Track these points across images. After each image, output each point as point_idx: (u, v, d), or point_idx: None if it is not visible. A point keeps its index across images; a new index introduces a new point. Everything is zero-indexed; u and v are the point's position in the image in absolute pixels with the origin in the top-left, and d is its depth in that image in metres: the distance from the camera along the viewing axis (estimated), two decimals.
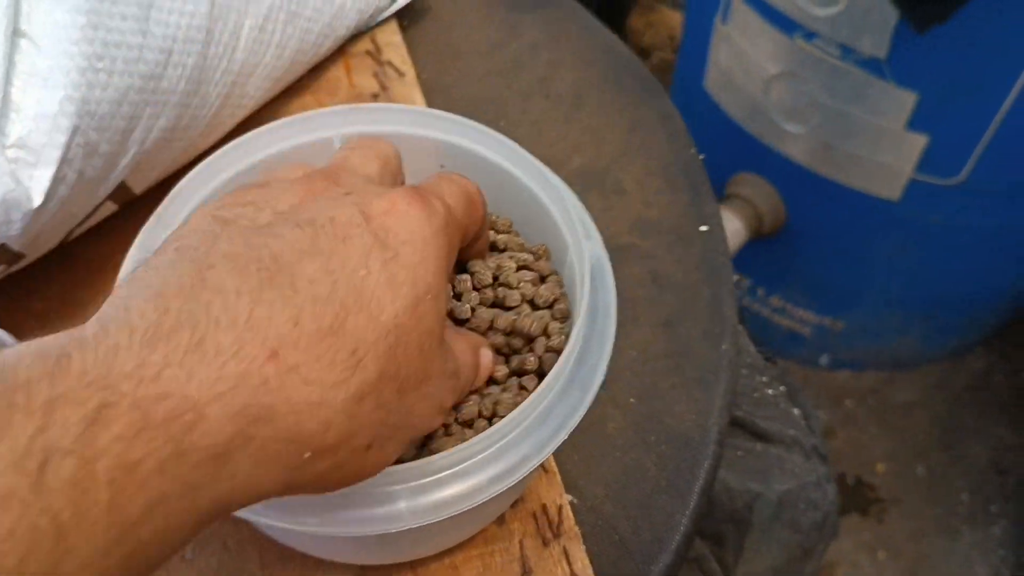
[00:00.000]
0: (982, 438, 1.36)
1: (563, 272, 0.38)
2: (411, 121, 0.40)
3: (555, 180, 0.38)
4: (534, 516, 0.42)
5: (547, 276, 0.37)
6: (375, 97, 0.55)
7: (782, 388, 0.55)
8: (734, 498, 0.49)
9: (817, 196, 1.20)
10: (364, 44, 0.59)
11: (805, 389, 1.38)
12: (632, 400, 0.47)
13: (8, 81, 0.35)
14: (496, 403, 0.35)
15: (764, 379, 0.55)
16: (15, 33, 0.35)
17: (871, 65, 1.02)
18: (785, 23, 1.06)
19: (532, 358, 0.36)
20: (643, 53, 1.80)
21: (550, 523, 0.42)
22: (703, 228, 0.52)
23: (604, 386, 0.40)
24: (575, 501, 0.44)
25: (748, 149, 1.23)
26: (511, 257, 0.38)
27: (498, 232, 0.40)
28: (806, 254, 1.28)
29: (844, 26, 1.01)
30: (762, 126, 1.19)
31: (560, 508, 0.43)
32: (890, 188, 1.13)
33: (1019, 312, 1.46)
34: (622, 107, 0.58)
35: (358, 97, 0.55)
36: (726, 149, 1.27)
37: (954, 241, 1.19)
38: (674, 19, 1.85)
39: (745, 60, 1.15)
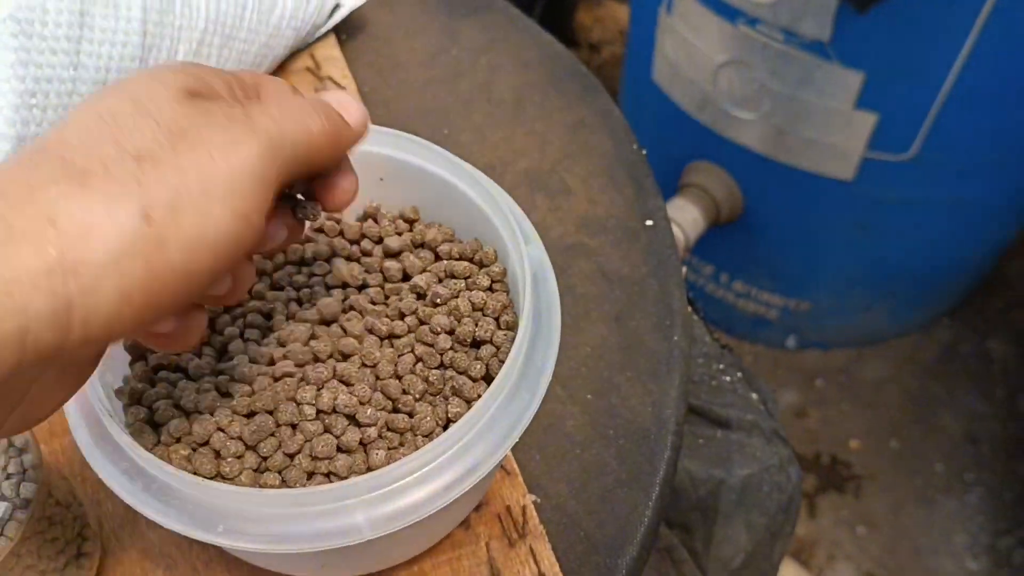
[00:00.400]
0: (953, 409, 1.38)
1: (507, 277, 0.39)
2: None
3: (492, 187, 0.39)
4: (499, 518, 0.43)
5: (496, 281, 0.38)
6: None
7: (739, 374, 0.55)
8: (698, 486, 0.50)
9: (772, 180, 1.21)
10: (304, 61, 0.59)
11: (775, 371, 1.40)
12: (589, 396, 0.47)
13: None
14: (447, 412, 0.35)
15: (721, 366, 0.55)
16: None
17: (815, 48, 1.03)
18: (727, 11, 1.07)
19: (479, 364, 0.36)
20: (593, 48, 1.81)
21: (515, 524, 0.43)
22: (648, 223, 0.53)
23: (560, 384, 0.41)
24: (538, 500, 0.44)
25: (701, 138, 1.24)
26: (451, 266, 0.39)
27: (438, 242, 0.40)
28: (766, 238, 1.30)
29: (786, 11, 1.02)
30: (713, 115, 1.20)
31: (524, 508, 0.43)
32: (844, 167, 1.14)
33: (982, 282, 1.48)
34: (563, 108, 0.58)
35: None
36: (679, 139, 1.28)
37: (910, 216, 1.21)
38: (622, 12, 1.86)
39: (691, 50, 1.16)
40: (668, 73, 1.23)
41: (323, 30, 0.60)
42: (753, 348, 1.45)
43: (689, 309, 0.62)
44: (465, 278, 0.38)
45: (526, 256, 0.35)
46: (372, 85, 0.59)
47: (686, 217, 1.23)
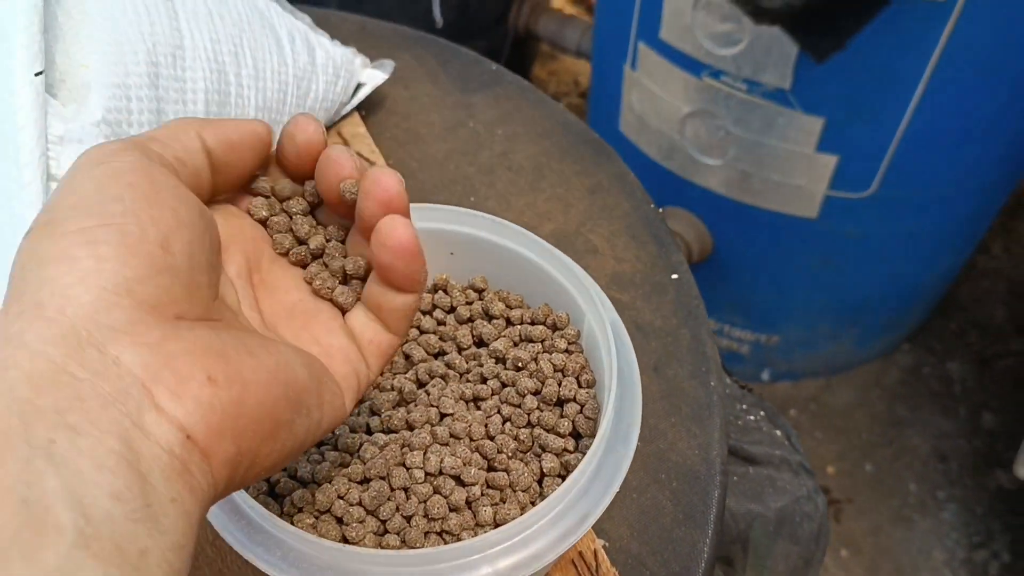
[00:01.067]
0: (920, 429, 1.44)
1: (581, 340, 0.42)
2: (418, 216, 0.43)
3: (559, 253, 0.42)
4: (573, 563, 0.46)
5: (571, 343, 0.41)
6: None
7: (762, 413, 0.59)
8: (737, 520, 0.53)
9: (740, 222, 1.27)
10: (332, 138, 0.62)
11: (747, 402, 1.44)
12: (639, 444, 0.50)
13: None
14: (541, 467, 0.38)
15: (744, 406, 0.59)
16: (48, 178, 0.37)
17: (777, 96, 1.09)
18: (692, 65, 1.12)
19: (565, 422, 0.39)
20: None
21: (588, 567, 0.45)
22: (674, 276, 0.56)
23: None
24: (606, 544, 0.47)
25: (669, 185, 1.29)
26: (527, 331, 0.42)
27: (510, 307, 0.43)
28: (736, 277, 1.35)
29: (748, 63, 1.08)
30: (680, 162, 1.25)
31: (595, 552, 0.46)
32: (807, 207, 1.20)
33: (938, 307, 1.55)
34: (580, 172, 0.62)
35: None
36: (648, 187, 1.33)
37: (871, 250, 1.27)
38: (576, 66, 1.92)
39: (657, 102, 1.21)
40: (635, 124, 1.28)
41: (348, 108, 0.63)
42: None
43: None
44: (541, 341, 0.41)
45: (607, 318, 0.38)
46: (397, 157, 0.62)
47: None
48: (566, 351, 0.41)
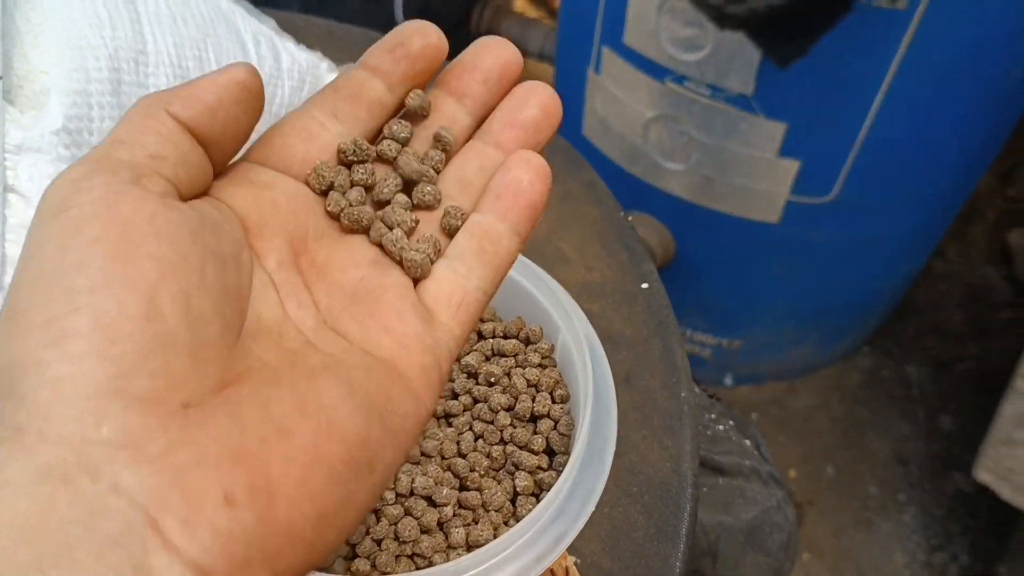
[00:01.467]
0: (880, 432, 1.45)
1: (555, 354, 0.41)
2: None
3: (533, 266, 0.41)
4: None
5: (545, 357, 0.40)
6: None
7: (731, 423, 0.59)
8: (707, 532, 0.53)
9: (703, 227, 1.27)
10: None
11: (715, 406, 1.44)
12: None
13: (2, 237, 0.35)
14: (514, 486, 0.38)
15: (712, 416, 0.59)
16: (5, 189, 0.36)
17: (740, 101, 1.09)
18: (655, 70, 1.12)
19: (539, 438, 0.38)
20: None
21: None
22: (644, 285, 0.56)
23: None
24: (577, 561, 0.46)
25: (633, 189, 1.29)
26: (500, 346, 0.41)
27: (482, 320, 0.42)
28: (699, 281, 1.35)
29: (711, 68, 1.08)
30: (644, 167, 1.25)
31: (567, 569, 0.45)
32: (770, 212, 1.21)
33: (895, 311, 1.57)
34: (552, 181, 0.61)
35: None
36: (612, 191, 1.33)
37: (832, 254, 1.28)
38: (539, 69, 1.91)
39: (621, 107, 1.21)
40: (599, 129, 1.28)
41: None
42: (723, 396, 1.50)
43: None
44: (514, 356, 0.40)
45: (582, 331, 0.37)
46: None
47: None
48: (539, 366, 0.40)
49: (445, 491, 0.36)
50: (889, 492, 1.40)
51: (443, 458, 0.37)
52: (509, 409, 0.39)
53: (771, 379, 1.50)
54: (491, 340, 0.41)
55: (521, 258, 0.41)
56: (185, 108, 0.26)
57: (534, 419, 0.39)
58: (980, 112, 1.14)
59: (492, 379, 0.39)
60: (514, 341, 0.40)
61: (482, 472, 0.37)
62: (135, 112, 0.26)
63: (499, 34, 1.63)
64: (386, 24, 1.51)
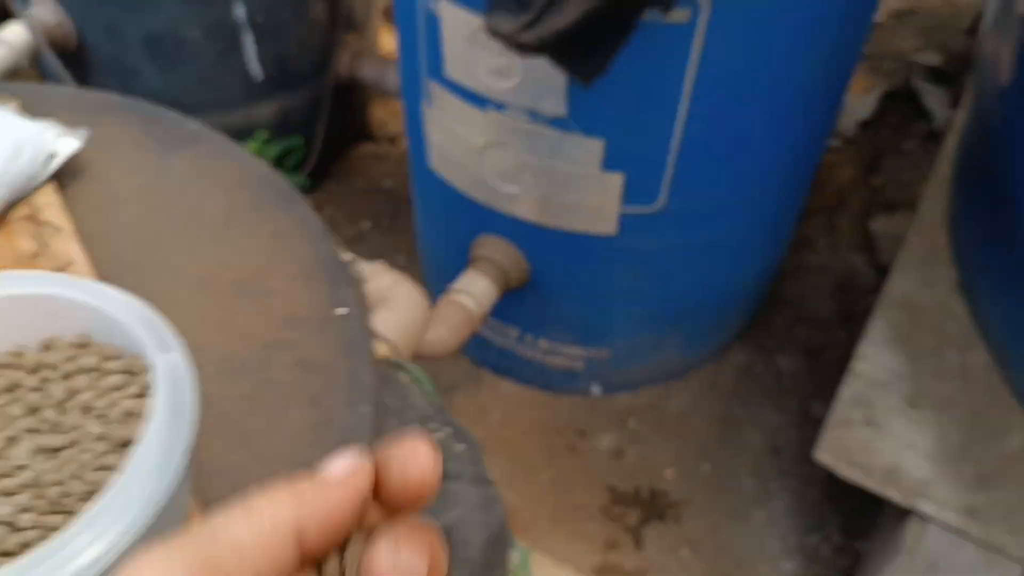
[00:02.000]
0: (755, 425, 1.50)
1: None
2: (12, 283, 0.46)
3: (135, 302, 0.46)
4: None
5: (145, 388, 0.45)
6: (34, 257, 0.62)
7: (450, 430, 0.63)
8: None
9: (549, 244, 1.32)
10: (23, 210, 0.65)
11: (591, 417, 1.49)
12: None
13: None
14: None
15: (434, 425, 0.63)
16: None
17: (558, 123, 1.14)
18: (477, 99, 1.17)
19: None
20: (391, 141, 1.91)
21: None
22: (340, 311, 0.60)
23: (265, 467, 0.47)
24: None
25: (480, 215, 1.33)
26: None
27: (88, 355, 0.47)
28: (556, 296, 1.40)
29: (525, 94, 1.13)
30: (486, 193, 1.30)
31: None
32: (605, 224, 1.26)
33: (765, 305, 1.62)
34: (265, 220, 0.66)
35: (17, 260, 0.61)
36: (463, 218, 1.38)
37: (676, 260, 1.33)
38: (399, 106, 1.97)
39: (455, 136, 1.26)
40: (441, 159, 1.33)
41: (40, 180, 0.66)
42: (571, 399, 1.54)
43: (408, 379, 0.69)
44: (117, 388, 0.45)
45: (160, 363, 0.42)
46: (92, 223, 0.65)
47: (477, 288, 1.32)
48: (139, 395, 0.44)
49: (27, 516, 0.40)
50: (762, 482, 1.44)
51: (37, 487, 0.41)
52: (102, 436, 0.43)
53: (646, 384, 1.55)
54: (96, 372, 0.46)
55: (123, 296, 0.45)
56: (309, 519, 0.26)
57: (125, 445, 0.43)
58: (786, 112, 1.19)
59: (87, 408, 0.44)
60: (119, 375, 0.45)
61: (80, 497, 0.41)
62: (253, 520, 0.25)
63: (360, 76, 1.68)
64: (243, 74, 1.56)
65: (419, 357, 1.34)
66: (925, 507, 1.13)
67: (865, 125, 1.89)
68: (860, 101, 1.89)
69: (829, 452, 1.18)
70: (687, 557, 1.36)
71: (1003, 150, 1.17)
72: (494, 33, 1.03)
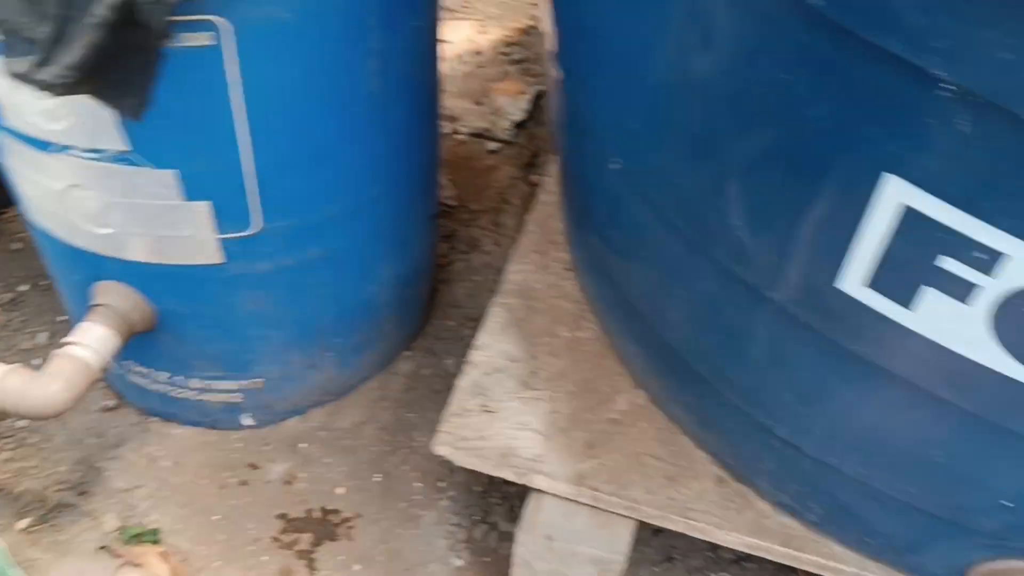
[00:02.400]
0: (425, 429, 1.51)
1: None
2: None
3: None
4: None
5: None
6: None
7: None
8: None
9: (165, 282, 1.28)
10: None
11: (262, 449, 1.46)
12: None
13: None
14: None
15: None
16: None
17: (123, 159, 1.12)
18: (38, 144, 1.13)
19: None
20: None
21: None
22: None
23: None
24: None
25: (89, 261, 1.28)
26: None
27: None
28: (190, 334, 1.36)
29: (79, 134, 1.10)
30: (85, 238, 1.25)
31: None
32: (209, 254, 1.24)
33: (429, 312, 1.64)
34: None
35: None
36: (74, 266, 1.33)
37: (292, 279, 1.33)
38: None
39: (36, 184, 1.21)
40: (34, 209, 1.28)
41: None
42: (240, 434, 1.51)
43: None
44: None
45: None
46: None
47: (93, 337, 1.27)
48: None
49: None
50: (431, 483, 1.46)
51: None
52: None
53: (313, 406, 1.54)
54: None
55: None
56: None
57: None
58: (354, 121, 1.21)
59: None
60: None
61: None
62: None
63: None
64: None
65: (33, 417, 1.29)
66: (538, 481, 1.17)
67: (521, 125, 1.95)
68: (514, 103, 1.95)
69: (446, 444, 1.20)
70: (360, 571, 1.36)
71: (565, 122, 1.22)
72: (15, 76, 1.00)
